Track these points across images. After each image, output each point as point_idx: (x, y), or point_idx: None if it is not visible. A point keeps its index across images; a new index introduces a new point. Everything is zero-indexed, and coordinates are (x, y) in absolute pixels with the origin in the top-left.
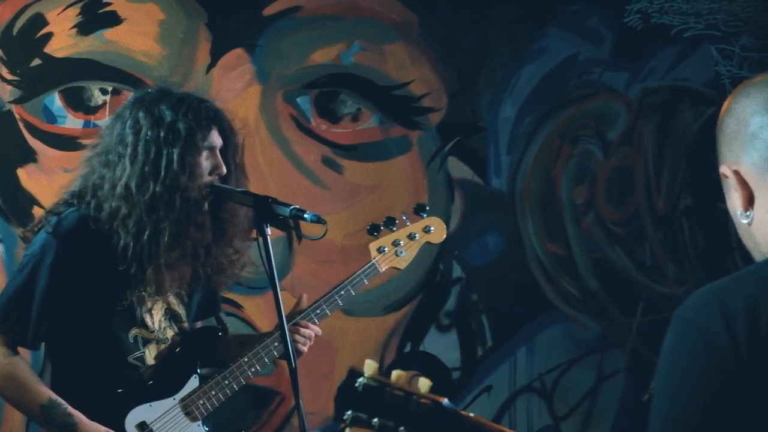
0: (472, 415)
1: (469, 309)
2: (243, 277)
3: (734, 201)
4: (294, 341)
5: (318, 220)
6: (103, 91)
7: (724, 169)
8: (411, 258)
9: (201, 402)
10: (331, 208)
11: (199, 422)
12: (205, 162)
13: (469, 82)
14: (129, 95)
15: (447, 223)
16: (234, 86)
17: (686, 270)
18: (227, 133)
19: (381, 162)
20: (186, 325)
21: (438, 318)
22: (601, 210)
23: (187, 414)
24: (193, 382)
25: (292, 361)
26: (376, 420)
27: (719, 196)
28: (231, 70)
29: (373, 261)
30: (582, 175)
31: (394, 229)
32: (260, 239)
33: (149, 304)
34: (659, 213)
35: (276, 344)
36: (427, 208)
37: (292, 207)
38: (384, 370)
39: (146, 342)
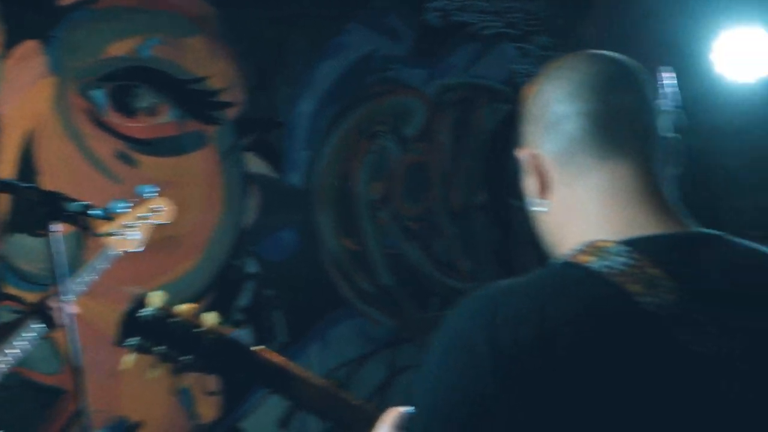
0: (258, 348)
1: (263, 305)
2: (31, 273)
3: (530, 185)
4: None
5: (106, 216)
6: None
7: (523, 151)
8: (143, 239)
9: None
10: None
11: None
12: None
13: (268, 77)
14: None
15: (242, 218)
16: (26, 78)
17: (481, 265)
18: None
19: (177, 157)
20: None
21: (232, 314)
22: (397, 206)
23: None
24: None
25: (77, 359)
26: (160, 348)
27: (514, 192)
28: (23, 61)
29: (107, 245)
30: (379, 171)
31: (124, 212)
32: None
33: None
34: (455, 209)
35: (25, 332)
36: (153, 189)
37: (80, 203)
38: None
39: None
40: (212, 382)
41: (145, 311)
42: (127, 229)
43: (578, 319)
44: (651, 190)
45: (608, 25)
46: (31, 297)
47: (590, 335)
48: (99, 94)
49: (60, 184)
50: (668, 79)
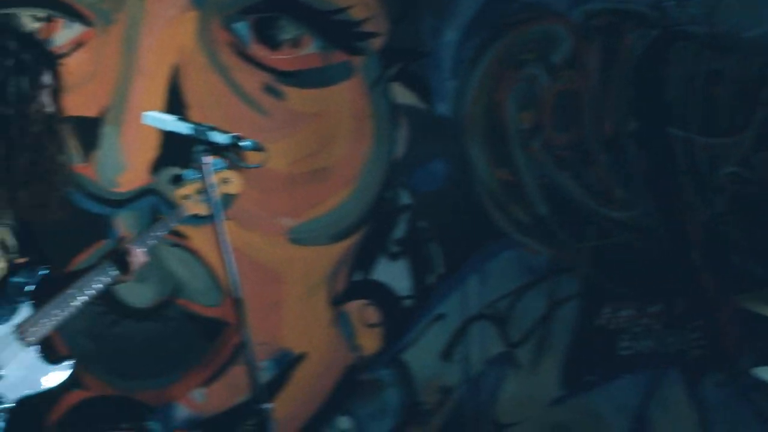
0: None
1: (418, 236)
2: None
3: None
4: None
5: (257, 147)
6: (36, 19)
7: None
8: (213, 205)
9: (33, 329)
10: (274, 136)
11: (35, 347)
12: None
13: (410, 8)
14: (61, 23)
15: (392, 149)
16: (168, 12)
17: (633, 194)
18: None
19: (323, 88)
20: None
21: (387, 246)
22: (548, 135)
23: (22, 339)
24: (26, 309)
25: (237, 291)
26: None
27: (666, 119)
28: None
29: (181, 206)
30: (527, 100)
31: (196, 179)
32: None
33: None
34: (606, 137)
35: (101, 275)
36: (223, 163)
37: (230, 135)
38: (333, 300)
39: None
40: (373, 314)
41: None
42: (200, 195)
43: None
44: None
45: None
46: (187, 230)
47: None
48: (242, 27)
49: (208, 117)
50: None
